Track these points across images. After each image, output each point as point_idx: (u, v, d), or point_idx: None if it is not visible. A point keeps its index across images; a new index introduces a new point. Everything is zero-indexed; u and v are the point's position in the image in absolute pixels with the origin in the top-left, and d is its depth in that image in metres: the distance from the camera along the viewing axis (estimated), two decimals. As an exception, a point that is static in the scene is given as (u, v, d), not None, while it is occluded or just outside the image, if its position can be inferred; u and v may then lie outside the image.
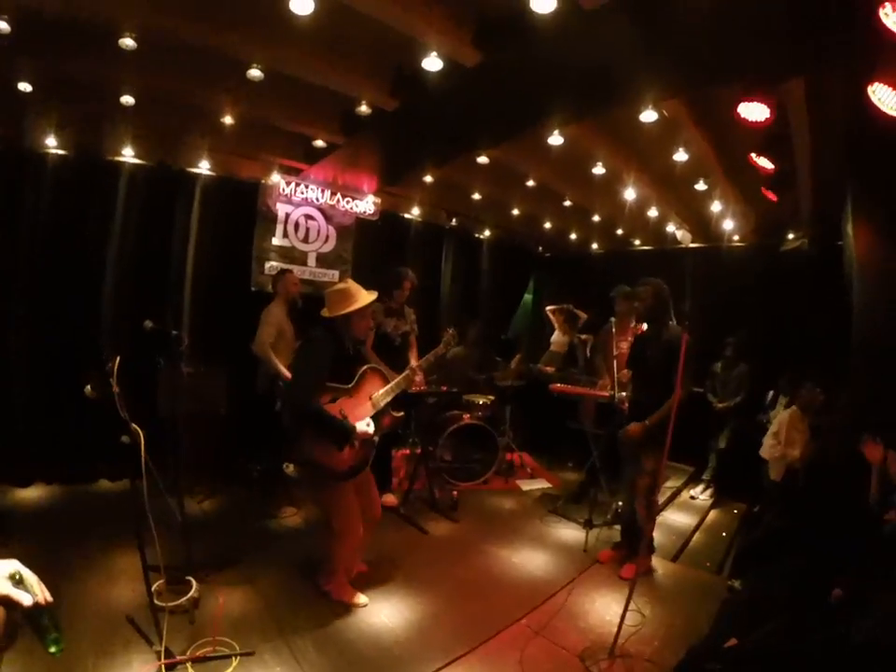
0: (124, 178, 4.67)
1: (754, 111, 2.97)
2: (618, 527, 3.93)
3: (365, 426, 2.83)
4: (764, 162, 3.69)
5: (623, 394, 3.65)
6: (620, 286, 4.67)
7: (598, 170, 4.35)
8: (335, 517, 2.85)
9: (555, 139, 3.72)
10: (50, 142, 4.32)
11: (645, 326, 3.76)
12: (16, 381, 4.27)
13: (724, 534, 4.45)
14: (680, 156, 3.95)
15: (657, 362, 3.28)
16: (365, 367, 2.95)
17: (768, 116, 2.95)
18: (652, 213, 5.48)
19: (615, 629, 2.63)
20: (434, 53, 2.87)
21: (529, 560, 3.63)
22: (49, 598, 1.03)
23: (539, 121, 3.47)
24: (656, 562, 3.61)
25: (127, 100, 3.75)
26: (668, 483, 5.30)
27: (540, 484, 5.32)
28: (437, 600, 3.07)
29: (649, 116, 3.28)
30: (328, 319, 2.85)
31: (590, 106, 3.36)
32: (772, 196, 4.15)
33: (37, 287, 4.36)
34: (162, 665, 2.31)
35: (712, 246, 6.14)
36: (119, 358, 1.95)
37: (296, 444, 2.75)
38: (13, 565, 1.01)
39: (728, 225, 5.52)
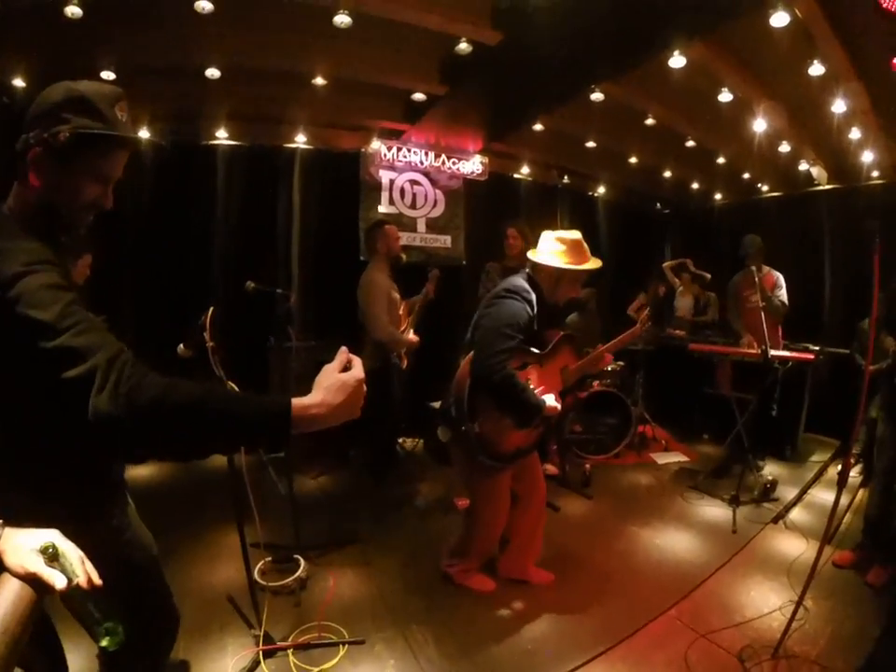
0: (221, 161, 4.64)
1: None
2: (768, 505, 3.53)
3: (553, 401, 2.36)
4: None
5: (781, 352, 3.12)
6: (750, 236, 4.26)
7: (725, 97, 3.77)
8: (482, 502, 2.53)
9: (677, 61, 3.21)
10: (143, 134, 4.30)
11: None
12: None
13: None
14: (816, 69, 3.31)
15: None
16: (563, 334, 2.53)
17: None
18: (783, 149, 4.78)
19: (775, 623, 2.33)
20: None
21: (673, 542, 3.23)
22: (97, 581, 0.78)
23: (664, 35, 2.94)
24: (812, 546, 3.05)
25: (213, 73, 3.62)
26: (814, 458, 4.71)
27: (676, 458, 4.85)
28: (574, 588, 2.72)
29: (780, 19, 2.79)
30: (534, 267, 2.40)
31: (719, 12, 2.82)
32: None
33: (145, 268, 4.41)
34: (260, 651, 2.11)
35: (849, 187, 5.29)
36: (212, 309, 1.73)
37: (465, 411, 2.30)
38: (48, 535, 0.78)
39: (868, 158, 4.70)
